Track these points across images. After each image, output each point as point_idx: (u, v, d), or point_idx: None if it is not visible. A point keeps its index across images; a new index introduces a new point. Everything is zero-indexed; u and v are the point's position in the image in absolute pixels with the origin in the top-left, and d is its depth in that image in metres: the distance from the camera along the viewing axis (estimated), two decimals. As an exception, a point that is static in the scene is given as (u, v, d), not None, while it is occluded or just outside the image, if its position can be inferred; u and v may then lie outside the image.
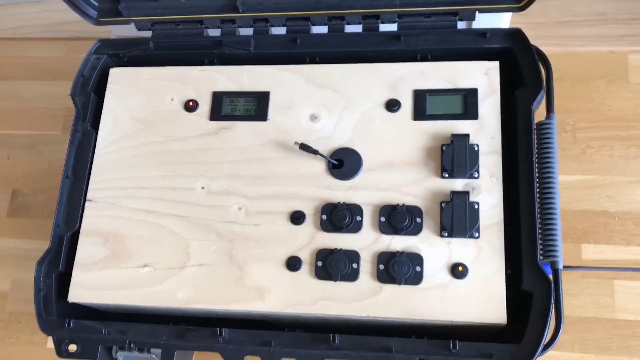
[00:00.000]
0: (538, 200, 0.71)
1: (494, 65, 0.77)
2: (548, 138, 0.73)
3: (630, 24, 1.05)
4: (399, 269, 0.70)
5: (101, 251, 0.77)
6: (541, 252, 0.69)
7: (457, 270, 0.69)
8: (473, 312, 0.68)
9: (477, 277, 0.69)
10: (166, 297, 0.74)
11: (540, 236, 0.70)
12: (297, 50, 0.82)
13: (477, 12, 0.77)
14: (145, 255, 0.76)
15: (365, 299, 0.70)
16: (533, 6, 1.12)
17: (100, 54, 0.86)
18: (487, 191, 0.72)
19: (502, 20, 0.97)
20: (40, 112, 1.21)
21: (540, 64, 0.77)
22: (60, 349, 0.74)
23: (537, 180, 0.72)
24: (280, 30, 0.83)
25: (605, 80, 1.04)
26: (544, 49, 1.08)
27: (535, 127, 0.74)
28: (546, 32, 1.08)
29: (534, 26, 1.09)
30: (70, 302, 0.76)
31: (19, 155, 1.18)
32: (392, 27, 0.80)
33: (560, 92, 1.04)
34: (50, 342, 1.05)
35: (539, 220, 0.70)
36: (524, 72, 0.75)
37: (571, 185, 0.99)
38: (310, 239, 0.74)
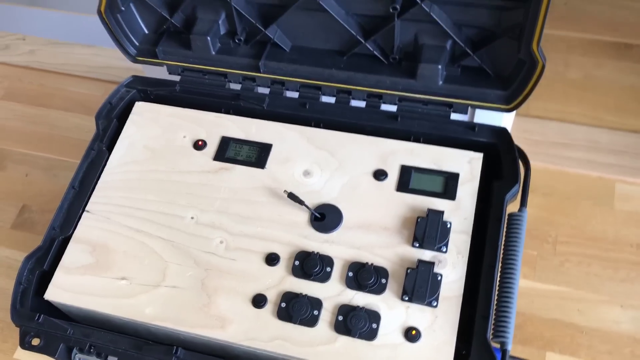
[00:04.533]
0: (498, 283, 0.75)
1: (478, 157, 0.83)
2: (517, 228, 0.78)
3: (620, 155, 1.12)
4: (356, 323, 0.73)
5: (86, 258, 0.82)
6: (493, 331, 0.72)
7: (411, 334, 0.72)
8: (418, 376, 0.70)
9: (428, 343, 0.72)
10: (135, 311, 0.78)
11: (494, 316, 0.73)
12: (305, 114, 0.90)
13: (469, 107, 0.85)
14: (125, 269, 0.81)
15: (319, 346, 0.73)
16: (534, 125, 1.21)
17: (131, 88, 0.96)
18: (452, 266, 0.76)
19: (503, 120, 1.02)
20: (66, 140, 1.30)
21: (520, 162, 0.83)
22: (24, 340, 0.77)
23: (501, 264, 0.76)
24: (293, 94, 0.92)
25: (592, 203, 1.09)
26: (538, 165, 1.16)
27: (506, 216, 0.79)
28: (542, 150, 1.15)
29: (532, 142, 1.16)
30: (45, 299, 0.80)
31: (37, 175, 1.26)
32: (392, 108, 0.88)
33: (548, 205, 1.09)
34: (17, 353, 1.07)
35: (495, 302, 0.74)
36: (504, 167, 0.81)
37: (544, 293, 1.02)
38: (280, 281, 0.78)
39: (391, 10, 0.79)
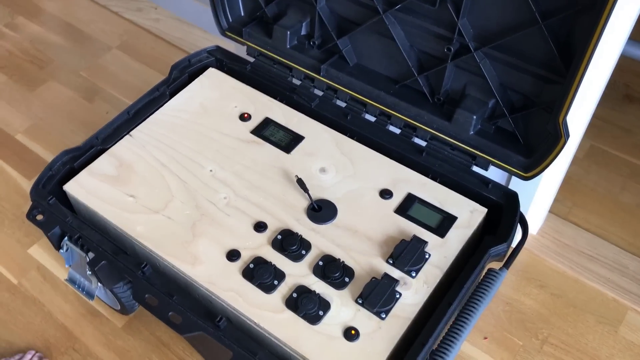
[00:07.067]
0: (451, 322, 0.76)
1: (482, 210, 0.86)
2: (489, 284, 0.79)
3: (644, 286, 1.09)
4: (306, 303, 0.77)
5: (111, 170, 0.92)
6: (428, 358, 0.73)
7: (350, 333, 0.75)
8: (340, 371, 0.72)
9: (362, 347, 0.74)
10: (128, 224, 0.86)
11: (434, 348, 0.74)
12: (344, 123, 0.96)
13: (490, 165, 0.88)
14: (137, 189, 0.89)
15: (266, 312, 0.77)
16: (568, 229, 1.21)
17: (211, 55, 1.07)
18: (415, 291, 0.78)
19: (535, 195, 1.04)
20: (152, 97, 1.44)
21: (520, 229, 0.84)
22: (31, 212, 0.86)
23: (460, 308, 0.77)
24: (341, 103, 0.99)
25: (597, 320, 1.06)
26: (558, 266, 1.14)
27: (485, 269, 0.80)
28: (567, 254, 1.14)
29: (560, 244, 1.16)
30: (64, 189, 0.90)
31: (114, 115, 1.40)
32: (422, 143, 0.93)
33: (552, 305, 1.08)
34: (32, 249, 1.18)
35: (442, 338, 0.75)
36: (501, 225, 0.83)
37: (514, 382, 0.99)
38: (258, 247, 0.83)
39: (445, 50, 0.85)
